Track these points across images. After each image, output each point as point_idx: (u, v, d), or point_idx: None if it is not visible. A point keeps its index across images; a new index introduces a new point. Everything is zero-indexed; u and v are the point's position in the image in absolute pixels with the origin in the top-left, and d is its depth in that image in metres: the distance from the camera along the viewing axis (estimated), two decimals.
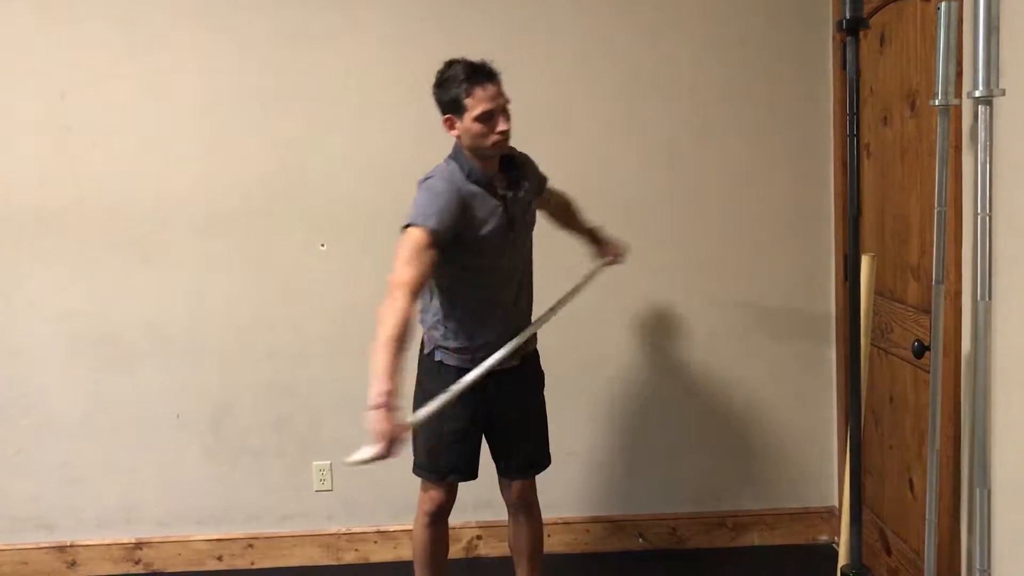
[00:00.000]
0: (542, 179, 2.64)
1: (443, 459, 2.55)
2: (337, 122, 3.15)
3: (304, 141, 3.16)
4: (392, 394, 2.05)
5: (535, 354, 2.68)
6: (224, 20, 3.11)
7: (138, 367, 3.24)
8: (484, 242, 2.38)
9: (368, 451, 2.01)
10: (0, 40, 3.09)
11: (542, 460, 2.67)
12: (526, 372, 2.60)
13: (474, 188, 2.37)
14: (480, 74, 2.31)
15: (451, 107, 2.33)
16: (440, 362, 2.51)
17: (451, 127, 2.37)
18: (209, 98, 3.14)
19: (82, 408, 3.25)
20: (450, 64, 2.35)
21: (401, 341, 2.11)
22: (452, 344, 2.49)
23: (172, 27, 3.10)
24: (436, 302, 2.50)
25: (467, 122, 2.32)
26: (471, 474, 2.60)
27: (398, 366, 2.09)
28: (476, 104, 2.29)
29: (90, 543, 3.31)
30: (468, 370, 2.34)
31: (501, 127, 2.33)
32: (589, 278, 2.73)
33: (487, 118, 2.31)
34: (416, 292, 2.20)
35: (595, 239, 2.82)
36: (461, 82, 2.30)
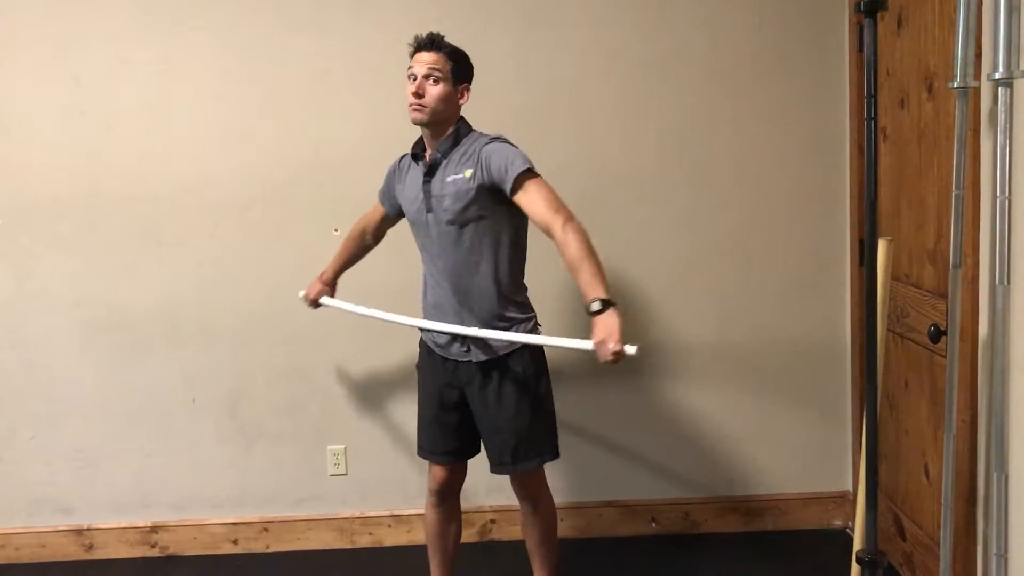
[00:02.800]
0: (501, 176, 2.36)
1: (423, 439, 2.66)
2: (351, 107, 3.15)
3: (317, 126, 3.16)
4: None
5: (509, 357, 2.49)
6: (238, 5, 3.10)
7: (153, 352, 3.26)
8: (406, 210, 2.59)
9: (631, 348, 2.11)
10: (15, 25, 3.09)
11: (514, 460, 2.53)
12: (492, 377, 2.48)
13: (408, 158, 2.58)
14: (420, 44, 2.43)
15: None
16: None
17: None
18: (223, 84, 3.14)
19: (97, 393, 3.27)
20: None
21: None
22: None
23: (186, 13, 3.10)
24: None
25: (407, 88, 2.44)
26: (447, 457, 2.61)
27: None
28: (409, 66, 2.43)
29: (106, 527, 3.34)
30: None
31: (410, 89, 2.40)
32: (566, 345, 2.35)
33: (412, 79, 2.41)
34: None
35: (588, 312, 2.22)
36: (410, 49, 2.45)
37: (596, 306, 2.16)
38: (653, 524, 3.37)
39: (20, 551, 3.33)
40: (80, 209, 3.18)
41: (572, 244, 2.25)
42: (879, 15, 2.03)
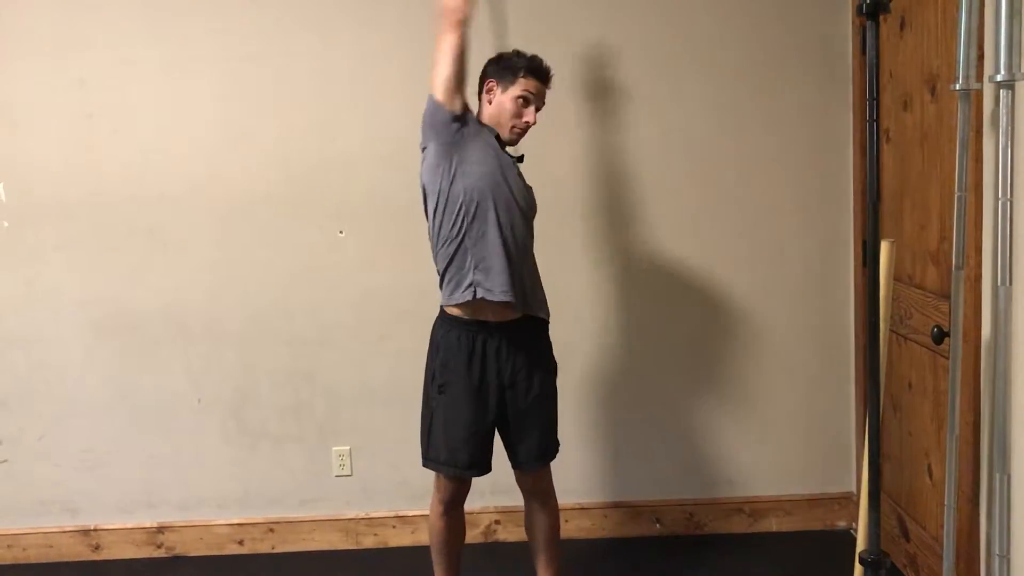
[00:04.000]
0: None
1: (462, 455, 2.53)
2: (356, 109, 3.16)
3: (323, 128, 3.17)
4: None
5: (542, 336, 2.61)
6: (243, 7, 3.11)
7: (159, 353, 3.27)
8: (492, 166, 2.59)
9: None
10: (20, 28, 3.11)
11: (552, 448, 2.65)
12: (534, 357, 2.56)
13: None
14: (541, 71, 2.52)
15: (502, 75, 2.51)
16: None
17: (490, 92, 2.53)
18: (229, 85, 3.15)
19: (104, 394, 3.29)
20: (519, 52, 2.54)
21: None
22: None
23: (191, 14, 3.12)
24: None
25: (507, 97, 2.49)
26: (483, 469, 2.60)
27: None
28: (523, 86, 2.49)
29: (113, 527, 3.36)
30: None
31: (528, 116, 2.50)
32: None
33: (523, 103, 2.49)
34: None
35: None
36: (523, 66, 2.49)
37: None
38: (657, 525, 3.38)
39: (27, 551, 3.35)
40: (87, 210, 3.19)
41: None
42: (882, 17, 2.03)
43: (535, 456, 2.60)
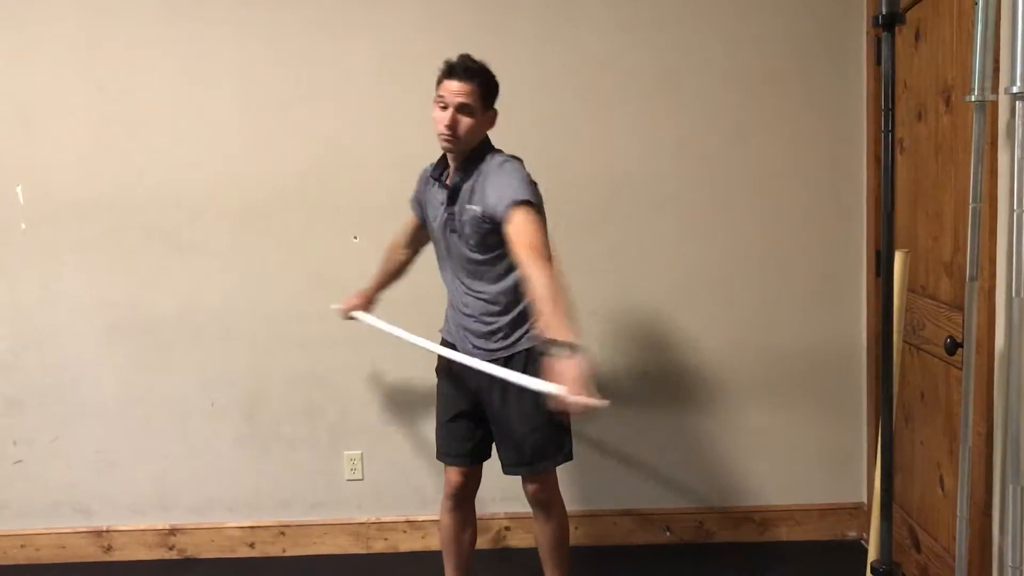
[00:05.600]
0: (496, 204, 2.34)
1: (440, 441, 2.68)
2: (371, 115, 3.18)
3: (338, 133, 3.19)
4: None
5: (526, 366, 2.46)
6: (260, 13, 3.14)
7: (173, 355, 3.29)
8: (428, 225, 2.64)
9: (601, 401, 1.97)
10: (41, 34, 3.15)
11: (529, 459, 2.54)
12: (496, 381, 2.41)
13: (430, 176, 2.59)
14: (452, 69, 2.39)
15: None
16: None
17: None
18: (245, 91, 3.18)
19: (118, 395, 3.31)
20: (449, 58, 2.44)
21: None
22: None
23: (209, 20, 3.14)
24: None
25: (434, 110, 2.42)
26: (462, 459, 2.63)
27: None
28: (438, 91, 2.41)
29: (125, 528, 3.37)
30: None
31: (443, 120, 2.38)
32: (532, 385, 2.15)
33: (442, 108, 2.39)
34: None
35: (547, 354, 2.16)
36: (441, 71, 2.42)
37: (559, 349, 2.05)
38: (667, 533, 3.38)
39: (40, 551, 3.37)
40: (104, 214, 3.22)
41: (534, 283, 2.18)
42: (896, 28, 2.04)
43: (512, 462, 2.58)
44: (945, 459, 2.64)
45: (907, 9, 2.73)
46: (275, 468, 3.35)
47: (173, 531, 3.37)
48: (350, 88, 3.18)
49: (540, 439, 2.53)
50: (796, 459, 3.34)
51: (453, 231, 2.48)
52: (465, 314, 2.54)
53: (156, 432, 3.33)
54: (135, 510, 3.37)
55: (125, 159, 3.20)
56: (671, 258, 3.24)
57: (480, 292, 2.50)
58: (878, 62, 2.80)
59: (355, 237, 3.22)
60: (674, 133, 3.18)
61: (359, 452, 3.34)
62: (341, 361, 3.29)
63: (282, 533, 3.37)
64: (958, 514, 2.26)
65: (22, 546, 3.37)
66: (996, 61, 2.15)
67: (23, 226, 3.23)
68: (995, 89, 2.14)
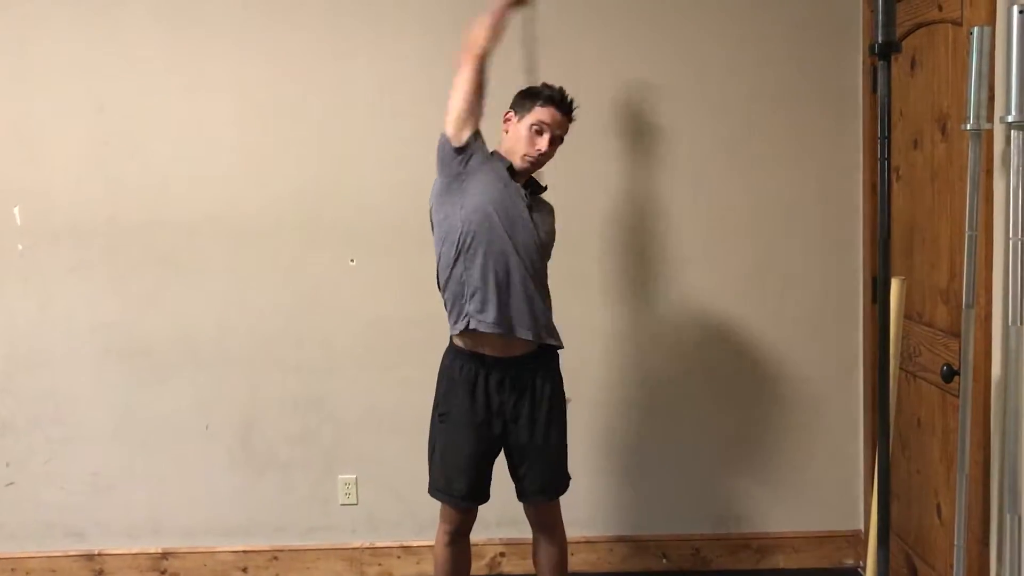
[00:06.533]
0: (549, 242, 2.60)
1: (461, 484, 2.56)
2: (370, 138, 3.19)
3: (336, 157, 3.20)
4: None
5: (549, 366, 2.60)
6: (260, 36, 3.16)
7: (168, 378, 3.28)
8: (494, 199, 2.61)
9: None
10: (40, 55, 3.16)
11: (559, 482, 2.63)
12: (538, 391, 2.55)
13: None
14: (560, 100, 2.50)
15: (520, 105, 2.52)
16: None
17: (507, 122, 2.55)
18: (244, 113, 3.19)
19: (113, 418, 3.29)
20: (546, 84, 2.55)
21: None
22: None
23: (209, 43, 3.16)
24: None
25: (522, 125, 2.48)
26: (481, 500, 2.61)
27: None
28: (538, 115, 2.48)
29: (118, 552, 3.34)
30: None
31: (540, 145, 2.47)
32: None
33: (537, 132, 2.48)
34: None
35: None
36: (543, 95, 2.50)
37: None
38: (664, 560, 3.36)
39: (31, 575, 3.33)
40: (101, 236, 3.22)
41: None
42: (892, 57, 2.05)
43: (538, 489, 2.59)
44: (942, 487, 2.63)
45: (903, 38, 2.75)
46: (269, 492, 3.33)
47: (165, 555, 3.34)
48: (349, 110, 3.19)
49: (565, 457, 2.64)
50: (793, 486, 3.32)
51: (535, 236, 2.50)
52: (536, 305, 2.52)
53: (150, 455, 3.31)
54: (127, 533, 3.34)
55: (124, 182, 3.20)
56: (667, 284, 3.24)
57: (541, 290, 2.55)
58: (874, 90, 2.82)
59: (352, 260, 3.22)
60: (671, 161, 3.19)
61: (354, 476, 3.32)
62: (336, 385, 3.28)
63: (275, 558, 3.35)
64: (955, 543, 2.25)
65: (12, 569, 3.33)
66: (991, 90, 2.16)
67: (20, 247, 3.23)
68: (990, 118, 2.16)
